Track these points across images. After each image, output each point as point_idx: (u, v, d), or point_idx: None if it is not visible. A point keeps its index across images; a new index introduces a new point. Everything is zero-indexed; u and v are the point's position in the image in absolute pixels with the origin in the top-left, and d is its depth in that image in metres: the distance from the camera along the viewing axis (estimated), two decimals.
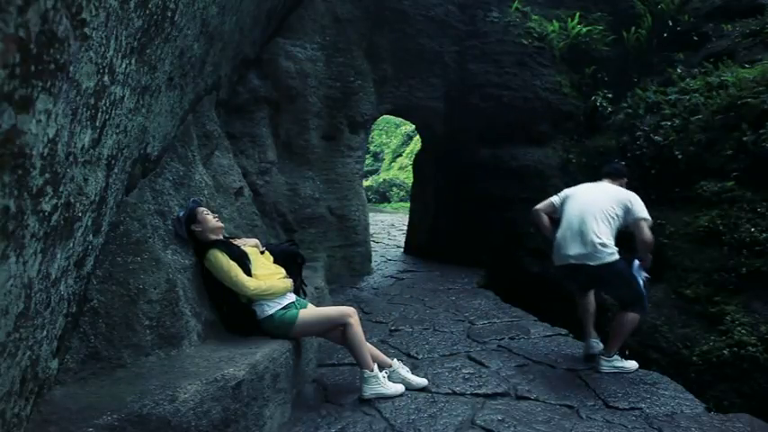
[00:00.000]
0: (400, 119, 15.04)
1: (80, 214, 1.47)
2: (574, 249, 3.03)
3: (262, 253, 2.87)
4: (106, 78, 1.38)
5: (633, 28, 6.47)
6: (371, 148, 24.75)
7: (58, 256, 1.37)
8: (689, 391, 2.93)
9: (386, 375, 2.69)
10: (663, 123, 5.25)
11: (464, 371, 3.08)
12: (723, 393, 3.39)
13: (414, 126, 8.85)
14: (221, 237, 2.65)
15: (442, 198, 7.21)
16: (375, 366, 2.64)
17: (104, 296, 1.92)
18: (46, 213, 1.18)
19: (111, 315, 1.91)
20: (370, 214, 8.01)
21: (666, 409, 2.64)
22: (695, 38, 6.00)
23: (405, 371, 2.82)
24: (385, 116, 8.12)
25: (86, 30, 1.15)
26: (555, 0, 7.22)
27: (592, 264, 2.97)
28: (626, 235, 3.15)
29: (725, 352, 3.52)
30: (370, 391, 2.60)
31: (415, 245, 7.86)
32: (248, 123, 5.10)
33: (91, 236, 1.68)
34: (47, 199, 1.16)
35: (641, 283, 3.05)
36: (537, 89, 6.48)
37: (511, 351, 3.46)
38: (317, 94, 5.60)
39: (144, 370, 1.91)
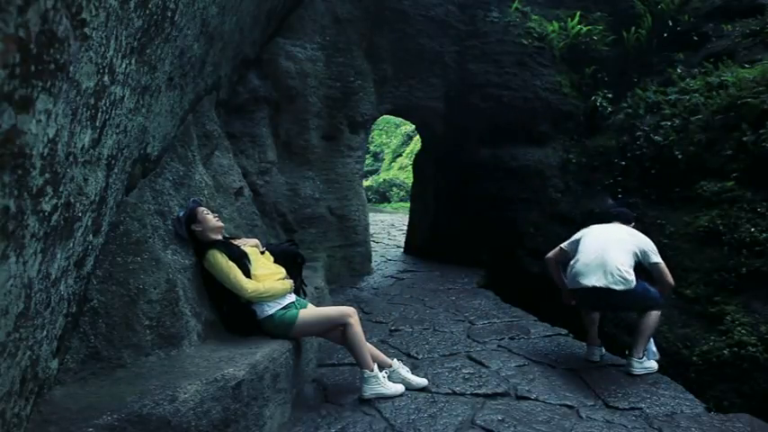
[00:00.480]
0: (400, 119, 15.04)
1: (80, 214, 1.47)
2: (596, 278, 3.02)
3: (262, 253, 2.87)
4: (106, 78, 1.38)
5: (633, 28, 6.47)
6: (371, 148, 24.74)
7: (58, 256, 1.37)
8: (689, 391, 2.93)
9: (386, 375, 2.69)
10: (663, 123, 5.24)
11: (464, 371, 3.08)
12: (723, 393, 3.38)
13: (414, 126, 8.85)
14: (221, 237, 2.65)
15: (442, 198, 7.21)
16: (375, 366, 2.64)
17: (104, 296, 1.92)
18: (46, 213, 1.18)
19: (111, 315, 1.91)
20: (370, 214, 8.01)
21: (666, 409, 2.64)
22: (695, 38, 6.00)
23: (405, 371, 2.82)
24: (385, 116, 8.12)
25: (86, 30, 1.15)
26: (555, 0, 7.22)
27: (616, 288, 2.97)
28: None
29: (725, 352, 3.52)
30: (370, 391, 2.60)
31: (415, 245, 7.86)
32: (248, 123, 5.10)
33: (91, 236, 1.68)
34: (47, 199, 1.16)
35: (652, 289, 3.10)
36: (537, 89, 6.48)
37: (511, 351, 3.46)
38: (316, 94, 5.60)
39: (144, 370, 1.91)
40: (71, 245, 1.47)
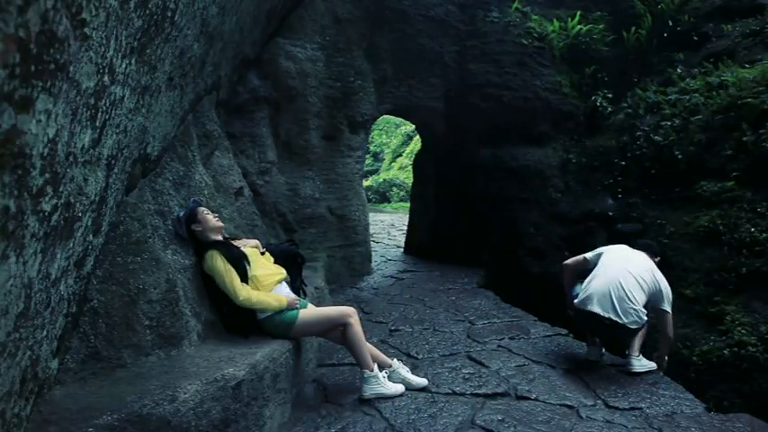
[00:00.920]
0: (400, 119, 15.03)
1: (80, 214, 1.47)
2: (607, 309, 2.99)
3: (262, 254, 2.87)
4: (106, 78, 1.38)
5: (633, 28, 6.47)
6: (371, 148, 24.72)
7: (58, 256, 1.37)
8: (689, 391, 2.94)
9: (386, 375, 2.69)
10: (663, 123, 5.25)
11: (464, 371, 3.08)
12: (723, 393, 3.39)
13: (414, 126, 8.84)
14: (221, 237, 2.65)
15: (442, 198, 7.21)
16: (375, 366, 2.64)
17: (104, 296, 1.92)
18: (46, 213, 1.18)
19: (111, 315, 1.91)
20: (370, 214, 8.00)
21: (666, 409, 2.64)
22: (695, 38, 6.00)
23: (405, 371, 2.82)
24: (385, 116, 8.12)
25: (86, 30, 1.15)
26: (555, 0, 7.22)
27: (628, 325, 2.96)
28: None
29: (725, 352, 3.52)
30: (370, 391, 2.60)
31: (415, 245, 7.85)
32: (248, 123, 5.09)
33: (91, 236, 1.68)
34: (47, 199, 1.16)
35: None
36: (537, 89, 6.48)
37: (511, 351, 3.46)
38: (317, 94, 5.60)
39: (144, 370, 1.91)
40: (71, 245, 1.47)
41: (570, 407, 2.65)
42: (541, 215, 6.15)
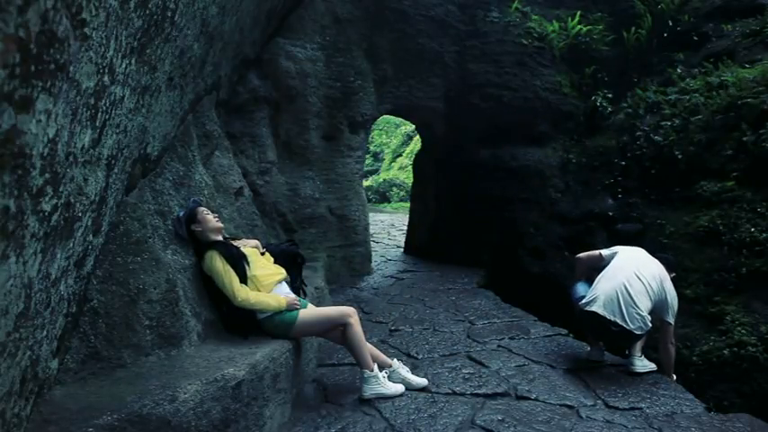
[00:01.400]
0: (400, 119, 15.03)
1: (80, 214, 1.47)
2: (614, 313, 2.96)
3: (262, 254, 2.87)
4: (106, 78, 1.38)
5: (633, 28, 6.47)
6: (371, 148, 24.72)
7: (58, 256, 1.37)
8: (689, 391, 2.94)
9: (386, 375, 2.69)
10: (663, 123, 5.25)
11: (464, 371, 3.08)
12: (723, 393, 3.39)
13: (414, 126, 8.84)
14: (221, 237, 2.65)
15: (442, 198, 7.21)
16: (375, 366, 2.64)
17: (104, 296, 1.92)
18: (46, 213, 1.18)
19: (111, 315, 1.91)
20: (370, 214, 8.00)
21: (666, 409, 2.64)
22: (695, 38, 6.00)
23: (405, 371, 2.82)
24: (385, 116, 8.12)
25: (86, 30, 1.15)
26: (555, 0, 7.22)
27: (629, 328, 2.93)
28: None
29: (725, 352, 3.52)
30: (370, 391, 2.60)
31: (415, 245, 7.85)
32: (248, 123, 5.09)
33: (91, 236, 1.68)
34: (47, 199, 1.16)
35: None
36: (537, 89, 6.48)
37: (511, 351, 3.46)
38: (316, 94, 5.60)
39: (144, 370, 1.91)
40: (71, 245, 1.47)
41: (570, 407, 2.65)
42: (541, 215, 6.15)
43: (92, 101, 1.31)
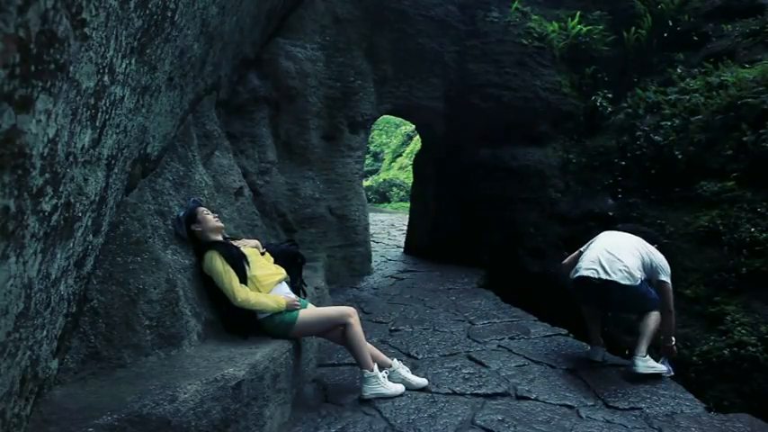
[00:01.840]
0: (400, 119, 15.02)
1: (80, 214, 1.47)
2: (597, 271, 3.01)
3: (262, 254, 2.87)
4: (106, 78, 1.38)
5: (633, 28, 6.47)
6: (371, 148, 24.72)
7: (58, 256, 1.37)
8: (689, 391, 2.93)
9: (386, 375, 2.69)
10: (663, 123, 5.24)
11: (464, 371, 3.08)
12: (723, 393, 3.38)
13: (414, 126, 8.84)
14: (221, 237, 2.65)
15: (442, 198, 7.21)
16: (375, 366, 2.64)
17: (104, 296, 1.92)
18: (46, 213, 1.18)
19: (111, 315, 1.91)
20: (370, 214, 8.00)
21: (666, 409, 2.64)
22: (695, 38, 6.00)
23: (405, 371, 2.82)
24: (385, 116, 8.12)
25: (86, 30, 1.15)
26: (555, 0, 7.22)
27: (619, 281, 2.95)
28: None
29: (725, 352, 3.52)
30: (370, 391, 2.60)
31: (414, 245, 7.85)
32: (248, 123, 5.09)
33: (91, 236, 1.68)
34: (47, 199, 1.16)
35: (653, 291, 3.07)
36: (537, 89, 6.48)
37: (511, 351, 3.46)
38: (316, 94, 5.60)
39: (144, 370, 1.91)
40: (71, 245, 1.47)
41: (570, 407, 2.65)
42: (541, 215, 6.15)
43: (92, 101, 1.31)
